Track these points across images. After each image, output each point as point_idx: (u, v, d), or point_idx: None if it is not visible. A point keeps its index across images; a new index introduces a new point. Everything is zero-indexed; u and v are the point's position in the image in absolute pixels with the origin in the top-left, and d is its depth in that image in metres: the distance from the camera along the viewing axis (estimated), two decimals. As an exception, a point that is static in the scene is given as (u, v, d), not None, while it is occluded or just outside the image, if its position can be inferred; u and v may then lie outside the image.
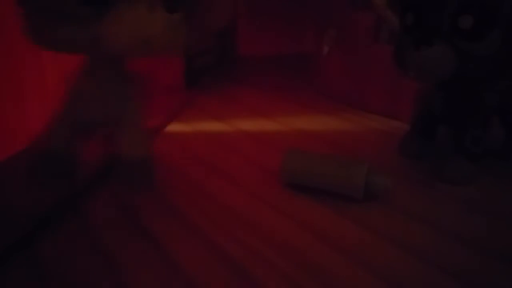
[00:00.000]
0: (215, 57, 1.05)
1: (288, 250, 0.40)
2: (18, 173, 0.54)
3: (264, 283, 0.36)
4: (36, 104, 0.63)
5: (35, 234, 0.42)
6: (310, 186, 0.49)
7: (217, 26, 0.45)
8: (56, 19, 0.38)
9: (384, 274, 0.37)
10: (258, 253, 0.40)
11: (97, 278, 0.37)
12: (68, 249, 0.41)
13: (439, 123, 0.55)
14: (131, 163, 0.48)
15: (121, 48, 0.39)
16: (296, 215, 0.46)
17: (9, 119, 0.59)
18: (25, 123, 0.61)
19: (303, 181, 0.49)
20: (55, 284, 0.36)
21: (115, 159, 0.48)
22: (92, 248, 0.41)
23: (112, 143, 0.49)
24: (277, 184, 0.52)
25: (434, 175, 0.53)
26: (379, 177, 0.47)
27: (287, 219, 0.45)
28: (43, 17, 0.38)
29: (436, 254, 0.39)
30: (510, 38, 0.42)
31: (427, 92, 0.54)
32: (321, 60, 0.87)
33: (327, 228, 0.43)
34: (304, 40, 1.13)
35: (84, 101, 0.46)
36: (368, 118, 0.75)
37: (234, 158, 0.59)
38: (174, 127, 0.71)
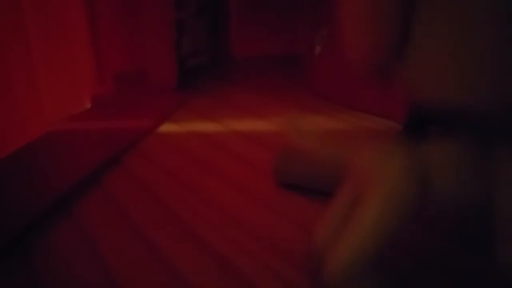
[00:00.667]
0: (208, 57, 1.05)
1: (281, 249, 0.40)
2: (7, 176, 0.53)
3: (258, 282, 0.36)
4: (27, 105, 0.63)
5: (29, 234, 0.42)
6: (303, 185, 0.49)
7: None
8: None
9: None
10: (251, 252, 0.40)
11: (91, 279, 0.37)
12: (61, 250, 0.41)
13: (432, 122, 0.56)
14: None
15: None
16: (289, 214, 0.46)
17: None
18: (14, 127, 0.61)
19: (296, 180, 0.50)
20: (48, 283, 0.36)
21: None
22: (85, 249, 0.41)
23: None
24: (270, 183, 0.52)
25: None
26: None
27: (281, 218, 0.45)
28: None
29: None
30: None
31: None
32: (313, 60, 0.88)
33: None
34: (297, 40, 1.13)
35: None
36: (360, 117, 0.75)
37: (226, 158, 0.60)
38: (167, 127, 0.71)
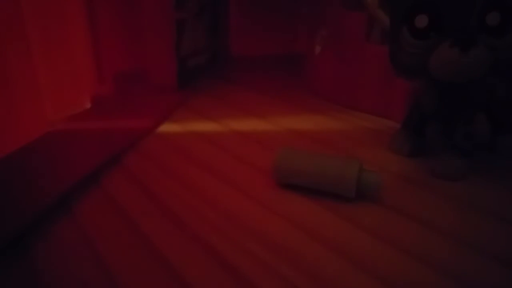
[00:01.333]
0: (208, 57, 1.05)
1: (280, 249, 0.40)
2: (7, 175, 0.53)
3: (258, 282, 0.36)
4: (27, 105, 0.63)
5: (28, 234, 0.42)
6: (302, 185, 0.49)
7: None
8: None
9: (378, 274, 0.37)
10: (250, 253, 0.40)
11: (90, 278, 0.37)
12: (61, 250, 0.41)
13: (430, 120, 0.56)
14: None
15: None
16: (289, 214, 0.46)
17: None
18: (14, 127, 0.61)
19: (295, 180, 0.50)
20: (47, 284, 0.36)
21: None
22: (85, 249, 0.41)
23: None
24: (269, 183, 0.52)
25: (427, 172, 0.53)
26: (371, 176, 0.47)
27: (280, 218, 0.45)
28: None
29: (430, 253, 0.40)
30: None
31: (418, 90, 0.55)
32: (313, 60, 0.88)
33: (319, 226, 0.44)
34: (296, 40, 1.13)
35: None
36: (359, 117, 0.75)
37: (226, 158, 0.60)
38: (166, 127, 0.71)
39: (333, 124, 0.72)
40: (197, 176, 0.55)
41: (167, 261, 0.39)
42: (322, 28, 0.84)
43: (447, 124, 0.52)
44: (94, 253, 0.40)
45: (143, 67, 0.85)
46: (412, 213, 0.46)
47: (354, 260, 0.39)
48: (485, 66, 0.44)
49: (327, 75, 0.84)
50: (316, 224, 0.44)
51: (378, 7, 0.65)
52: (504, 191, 0.50)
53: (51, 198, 0.48)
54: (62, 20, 0.70)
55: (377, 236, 0.42)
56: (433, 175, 0.53)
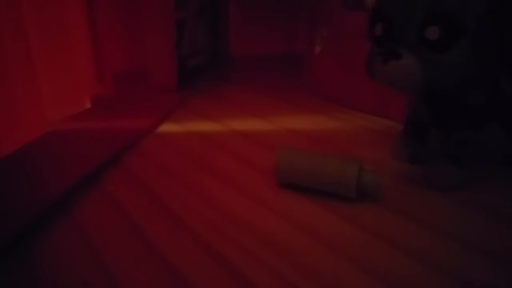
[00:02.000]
0: (208, 57, 1.05)
1: (280, 249, 0.40)
2: (7, 175, 0.53)
3: (258, 282, 0.36)
4: (27, 105, 0.62)
5: (28, 235, 0.42)
6: (303, 185, 0.49)
7: None
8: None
9: (380, 275, 0.37)
10: (251, 253, 0.40)
11: (90, 278, 0.37)
12: (61, 250, 0.41)
13: (429, 127, 0.55)
14: None
15: None
16: (289, 214, 0.46)
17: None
18: (14, 127, 0.61)
19: (296, 180, 0.50)
20: (47, 284, 0.36)
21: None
22: (85, 249, 0.41)
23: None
24: (269, 183, 0.52)
25: (423, 182, 0.52)
26: (371, 176, 0.47)
27: (280, 218, 0.45)
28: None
29: (430, 253, 0.40)
30: (479, 46, 0.42)
31: (413, 98, 0.54)
32: (313, 60, 0.88)
33: (319, 226, 0.44)
34: (296, 40, 1.13)
35: None
36: (359, 117, 0.75)
37: (226, 158, 0.60)
38: (166, 127, 0.71)
39: (333, 124, 0.72)
40: (197, 175, 0.55)
41: (167, 260, 0.39)
42: (322, 28, 0.84)
43: (441, 131, 0.51)
44: (94, 253, 0.40)
45: (143, 67, 0.85)
46: (412, 213, 0.46)
47: (354, 260, 0.39)
48: (412, 77, 0.43)
49: (327, 75, 0.84)
50: (316, 224, 0.44)
51: None
52: (504, 190, 0.50)
53: (51, 198, 0.47)
54: (62, 21, 0.70)
55: (377, 235, 0.42)
56: (425, 184, 0.51)
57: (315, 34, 0.86)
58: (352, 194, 0.47)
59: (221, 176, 0.54)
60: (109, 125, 0.69)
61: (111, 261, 0.39)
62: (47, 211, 0.46)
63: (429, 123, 0.53)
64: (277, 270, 0.37)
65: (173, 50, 0.84)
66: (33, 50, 0.63)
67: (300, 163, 0.49)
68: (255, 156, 0.60)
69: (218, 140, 0.66)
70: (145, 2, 0.81)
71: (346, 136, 0.67)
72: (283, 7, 1.15)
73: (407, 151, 0.58)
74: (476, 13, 0.41)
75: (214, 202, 0.48)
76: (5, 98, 0.59)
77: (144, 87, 0.86)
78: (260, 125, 0.72)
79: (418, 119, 0.55)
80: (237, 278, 0.37)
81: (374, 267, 0.38)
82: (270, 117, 0.75)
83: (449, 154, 0.50)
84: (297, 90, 0.91)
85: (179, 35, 0.86)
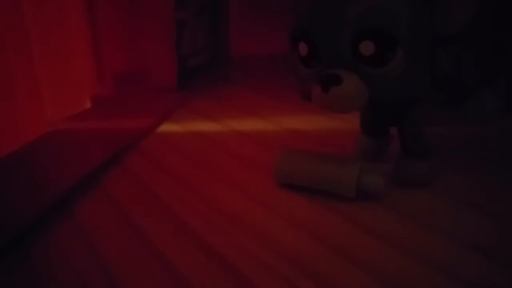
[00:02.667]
0: (208, 57, 1.05)
1: (280, 248, 0.40)
2: (7, 175, 0.53)
3: (258, 282, 0.36)
4: (27, 105, 0.63)
5: (28, 234, 0.42)
6: (303, 185, 0.49)
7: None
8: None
9: (381, 275, 0.37)
10: (251, 253, 0.40)
11: (90, 278, 0.37)
12: (61, 250, 0.41)
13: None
14: None
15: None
16: (289, 214, 0.46)
17: None
18: (14, 127, 0.61)
19: (295, 180, 0.50)
20: (47, 284, 0.36)
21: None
22: (85, 249, 0.41)
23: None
24: (269, 183, 0.52)
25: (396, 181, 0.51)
26: (372, 176, 0.47)
27: (280, 218, 0.45)
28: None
29: (429, 253, 0.40)
30: (415, 54, 0.41)
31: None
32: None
33: (320, 227, 0.44)
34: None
35: None
36: (359, 117, 0.75)
37: (226, 158, 0.60)
38: (166, 127, 0.71)
39: (333, 124, 0.72)
40: (197, 175, 0.55)
41: (167, 260, 0.39)
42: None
43: (398, 130, 0.50)
44: (94, 253, 0.40)
45: (143, 67, 0.85)
46: (411, 212, 0.46)
47: (354, 260, 0.39)
48: (358, 97, 0.41)
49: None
50: (316, 223, 0.44)
51: None
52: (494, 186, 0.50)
53: (51, 198, 0.48)
54: (62, 21, 0.70)
55: (377, 235, 0.42)
56: (395, 183, 0.50)
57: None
58: (352, 194, 0.47)
59: (221, 176, 0.54)
60: (109, 125, 0.69)
61: (111, 261, 0.39)
62: (47, 211, 0.46)
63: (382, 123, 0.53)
64: (277, 269, 0.37)
65: (173, 50, 0.84)
66: (33, 50, 0.63)
67: (299, 163, 0.49)
68: (255, 156, 0.60)
69: (218, 140, 0.66)
70: (145, 2, 0.81)
71: (346, 136, 0.67)
72: (283, 7, 1.15)
73: (369, 150, 0.56)
74: (406, 21, 0.40)
75: (214, 202, 0.48)
76: (5, 98, 0.59)
77: (144, 87, 0.86)
78: (260, 125, 0.72)
79: (372, 120, 0.55)
80: (237, 278, 0.37)
81: (375, 267, 0.38)
82: (270, 117, 0.75)
83: (408, 150, 0.49)
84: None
85: (179, 35, 0.86)
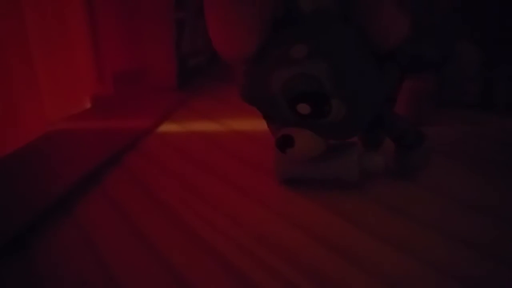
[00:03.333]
0: (208, 57, 1.05)
1: (280, 248, 0.40)
2: (7, 175, 0.53)
3: (259, 282, 0.36)
4: (27, 105, 0.63)
5: (28, 234, 0.42)
6: (305, 177, 0.49)
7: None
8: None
9: (381, 275, 0.37)
10: (251, 253, 0.40)
11: (90, 278, 0.37)
12: (61, 250, 0.41)
13: None
14: None
15: None
16: (289, 213, 0.46)
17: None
18: (14, 127, 0.61)
19: (298, 173, 0.49)
20: (48, 283, 0.36)
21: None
22: (85, 249, 0.41)
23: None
24: (270, 183, 0.52)
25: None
26: (371, 156, 0.48)
27: (281, 218, 0.45)
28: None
29: (429, 253, 0.40)
30: (358, 88, 0.42)
31: None
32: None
33: (319, 225, 0.44)
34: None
35: None
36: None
37: (227, 158, 0.60)
38: (167, 127, 0.71)
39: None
40: (197, 175, 0.55)
41: (167, 260, 0.39)
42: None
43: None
44: (94, 252, 0.40)
45: (143, 67, 0.85)
46: (411, 212, 0.46)
47: (354, 259, 0.39)
48: (315, 148, 0.44)
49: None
50: (315, 222, 0.44)
51: None
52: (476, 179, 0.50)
53: (51, 198, 0.48)
54: (62, 21, 0.70)
55: (377, 235, 0.42)
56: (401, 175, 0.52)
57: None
58: (355, 177, 0.47)
59: (221, 175, 0.54)
60: (109, 125, 0.69)
61: (111, 260, 0.39)
62: (47, 211, 0.46)
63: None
64: (277, 269, 0.37)
65: (173, 50, 0.84)
66: (33, 50, 0.63)
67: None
68: (254, 156, 0.60)
69: (218, 140, 0.66)
70: (145, 2, 0.81)
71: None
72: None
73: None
74: (330, 76, 0.40)
75: (213, 201, 0.48)
76: (5, 98, 0.59)
77: (144, 87, 0.85)
78: (260, 125, 0.72)
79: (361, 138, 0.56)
80: (237, 277, 0.37)
81: (375, 267, 0.38)
82: (270, 117, 0.75)
83: (403, 146, 0.51)
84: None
85: (179, 35, 0.86)
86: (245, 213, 0.46)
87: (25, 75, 0.62)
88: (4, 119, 0.59)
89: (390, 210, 0.46)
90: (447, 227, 0.43)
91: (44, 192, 0.49)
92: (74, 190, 0.50)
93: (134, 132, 0.67)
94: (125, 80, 0.84)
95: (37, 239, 0.42)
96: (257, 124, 0.72)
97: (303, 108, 0.42)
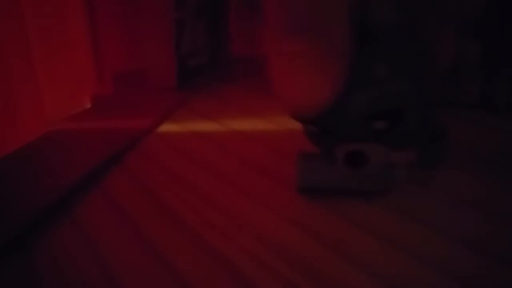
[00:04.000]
0: (208, 57, 1.05)
1: (282, 248, 0.40)
2: (7, 175, 0.53)
3: (259, 282, 0.36)
4: (27, 105, 0.63)
5: (28, 234, 0.42)
6: (330, 186, 0.49)
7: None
8: None
9: (381, 275, 0.37)
10: (251, 253, 0.40)
11: (90, 278, 0.37)
12: (61, 250, 0.41)
13: None
14: None
15: None
16: (289, 213, 0.46)
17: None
18: (14, 127, 0.61)
19: (323, 183, 0.49)
20: (48, 283, 0.36)
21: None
22: (85, 249, 0.41)
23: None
24: (270, 183, 0.52)
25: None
26: (398, 170, 0.48)
27: (281, 218, 0.45)
28: None
29: (430, 252, 0.40)
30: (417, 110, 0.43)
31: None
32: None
33: (320, 227, 0.44)
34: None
35: None
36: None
37: (227, 158, 0.60)
38: (167, 127, 0.71)
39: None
40: (197, 176, 0.55)
41: (167, 260, 0.39)
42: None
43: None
44: (93, 252, 0.40)
45: (143, 67, 0.85)
46: (411, 212, 0.46)
47: (354, 260, 0.39)
48: (386, 158, 0.46)
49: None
50: (316, 224, 0.44)
51: None
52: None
53: (51, 198, 0.47)
54: (62, 21, 0.70)
55: (377, 235, 0.42)
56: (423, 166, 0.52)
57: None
58: (381, 189, 0.48)
59: (221, 176, 0.54)
60: (109, 125, 0.69)
61: (111, 260, 0.39)
62: (47, 211, 0.46)
63: None
64: (278, 269, 0.37)
65: (173, 50, 0.84)
66: (33, 50, 0.63)
67: (325, 166, 0.48)
68: (255, 156, 0.60)
69: (218, 140, 0.66)
70: (145, 2, 0.81)
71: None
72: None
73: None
74: (411, 93, 0.42)
75: (214, 201, 0.48)
76: (5, 98, 0.59)
77: (144, 87, 0.86)
78: (260, 125, 0.72)
79: None
80: (237, 277, 0.37)
81: (375, 267, 0.38)
82: (270, 117, 0.75)
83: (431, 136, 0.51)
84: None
85: (179, 35, 0.86)
86: (245, 212, 0.46)
87: (25, 75, 0.62)
88: (4, 119, 0.59)
89: (390, 210, 0.46)
90: (447, 227, 0.43)
91: (44, 192, 0.49)
92: (74, 190, 0.50)
93: (134, 132, 0.67)
94: (125, 80, 0.84)
95: (37, 239, 0.42)
96: (257, 124, 0.72)
97: (380, 124, 0.43)
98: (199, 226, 0.44)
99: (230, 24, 1.15)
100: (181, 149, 0.62)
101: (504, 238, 0.42)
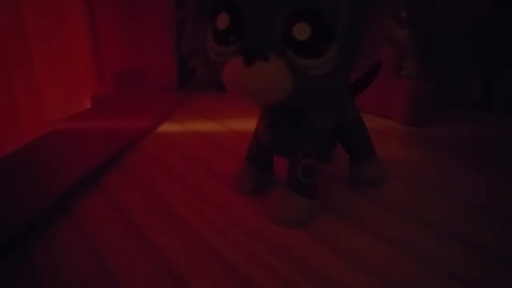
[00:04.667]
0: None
1: (281, 249, 0.40)
2: (7, 175, 0.53)
3: (259, 282, 0.36)
4: (27, 105, 0.63)
5: (28, 234, 0.42)
6: None
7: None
8: None
9: (381, 275, 0.37)
10: (252, 253, 0.40)
11: (90, 278, 0.37)
12: (61, 249, 0.41)
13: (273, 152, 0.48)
14: None
15: None
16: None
17: None
18: (14, 126, 0.61)
19: None
20: (48, 284, 0.36)
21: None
22: (85, 249, 0.41)
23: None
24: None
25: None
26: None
27: (280, 218, 0.45)
28: None
29: (429, 253, 0.40)
30: (346, 55, 0.36)
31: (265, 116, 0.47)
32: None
33: (320, 227, 0.44)
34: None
35: None
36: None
37: (227, 158, 0.60)
38: (166, 127, 0.71)
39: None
40: (197, 176, 0.55)
41: (167, 260, 0.39)
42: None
43: (288, 158, 0.44)
44: (94, 253, 0.40)
45: (143, 67, 0.85)
46: (411, 212, 0.46)
47: (354, 260, 0.39)
48: (281, 84, 0.35)
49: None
50: (316, 223, 0.44)
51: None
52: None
53: (51, 198, 0.47)
54: (62, 21, 0.70)
55: (377, 235, 0.42)
56: (270, 219, 0.44)
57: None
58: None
59: (221, 176, 0.54)
60: (109, 125, 0.69)
61: (111, 261, 0.39)
62: (47, 211, 0.46)
63: (271, 149, 0.47)
64: (278, 269, 0.37)
65: (173, 50, 0.84)
66: (33, 50, 0.63)
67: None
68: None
69: (218, 140, 0.66)
70: (145, 2, 0.81)
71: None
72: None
73: (247, 182, 0.50)
74: (345, 18, 0.35)
75: (214, 201, 0.48)
76: (5, 98, 0.59)
77: (144, 87, 0.86)
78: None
79: (258, 144, 0.48)
80: (237, 277, 0.37)
81: (375, 267, 0.38)
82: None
83: (296, 184, 0.44)
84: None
85: (179, 35, 0.86)
86: (245, 213, 0.46)
87: (25, 75, 0.62)
88: (4, 119, 0.59)
89: (390, 210, 0.46)
90: (447, 227, 0.43)
91: (44, 192, 0.49)
92: (74, 190, 0.50)
93: (134, 132, 0.67)
94: (125, 80, 0.84)
95: (37, 239, 0.42)
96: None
97: (302, 30, 0.34)
98: (199, 225, 0.44)
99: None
100: (181, 149, 0.62)
101: (504, 238, 0.42)
